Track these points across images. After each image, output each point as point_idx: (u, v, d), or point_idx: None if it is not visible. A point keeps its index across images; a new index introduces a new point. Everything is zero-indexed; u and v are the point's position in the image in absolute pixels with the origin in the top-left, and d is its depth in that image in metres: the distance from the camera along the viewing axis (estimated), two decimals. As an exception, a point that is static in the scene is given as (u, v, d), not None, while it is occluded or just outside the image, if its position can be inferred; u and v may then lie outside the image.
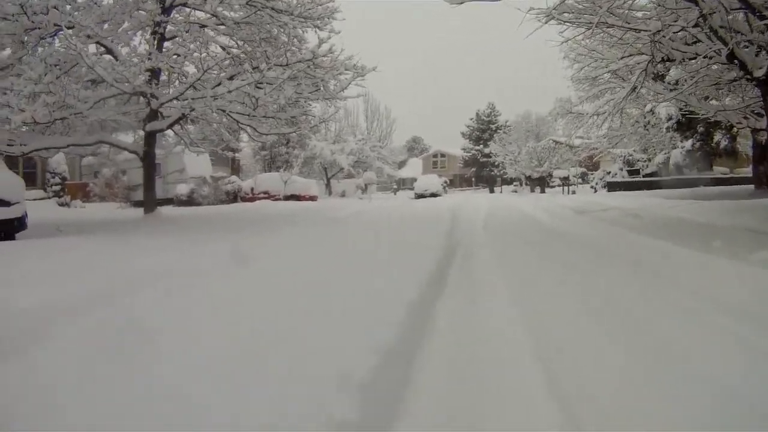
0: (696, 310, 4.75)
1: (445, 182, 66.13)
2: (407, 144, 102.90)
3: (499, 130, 69.55)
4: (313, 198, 31.41)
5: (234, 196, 29.66)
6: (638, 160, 44.02)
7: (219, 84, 12.86)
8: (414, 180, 54.75)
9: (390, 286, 5.41)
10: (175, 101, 13.54)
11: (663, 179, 34.58)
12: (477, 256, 8.26)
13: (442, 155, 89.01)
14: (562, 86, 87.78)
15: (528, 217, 16.67)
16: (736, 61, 11.51)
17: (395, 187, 74.64)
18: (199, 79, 12.32)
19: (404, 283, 5.56)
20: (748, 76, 11.62)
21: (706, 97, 13.75)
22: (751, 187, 26.03)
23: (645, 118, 32.80)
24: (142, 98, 14.80)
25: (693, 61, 12.65)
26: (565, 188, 46.30)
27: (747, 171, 37.33)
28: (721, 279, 6.01)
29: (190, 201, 28.15)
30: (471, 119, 76.57)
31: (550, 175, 52.65)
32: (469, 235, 11.48)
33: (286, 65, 13.06)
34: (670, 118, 22.90)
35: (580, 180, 50.83)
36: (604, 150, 38.70)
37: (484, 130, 74.13)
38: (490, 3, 11.76)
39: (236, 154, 44.80)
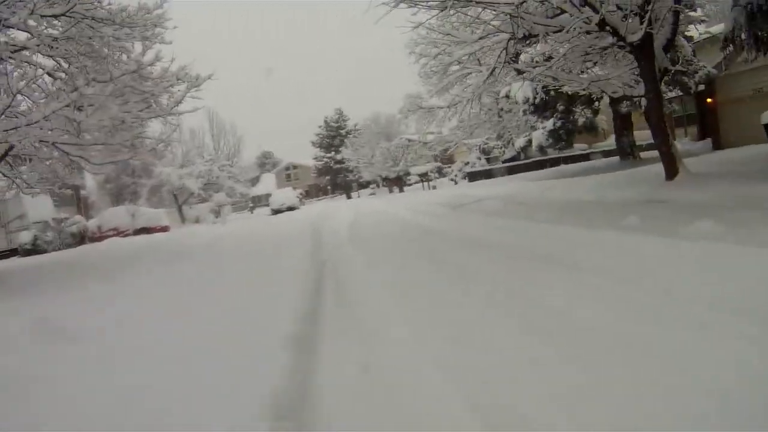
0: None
1: (301, 194, 64.80)
2: (258, 160, 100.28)
3: (349, 135, 69.04)
4: (164, 229, 28.81)
5: (81, 238, 26.67)
6: (494, 147, 44.67)
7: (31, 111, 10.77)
8: (269, 196, 52.71)
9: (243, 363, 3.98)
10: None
11: (523, 162, 35.00)
12: (352, 288, 6.58)
13: (295, 167, 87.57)
14: (407, 85, 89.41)
15: (398, 220, 15.65)
16: (608, 28, 11.01)
17: (251, 205, 72.29)
18: (9, 107, 10.16)
19: (264, 348, 4.19)
20: (621, 43, 11.17)
21: (577, 71, 13.28)
22: (615, 159, 26.73)
23: (498, 104, 33.05)
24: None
25: (557, 34, 12.07)
26: (425, 184, 45.97)
27: (604, 145, 38.75)
28: (694, 268, 5.03)
29: (35, 249, 24.99)
30: (320, 127, 75.56)
31: (407, 174, 52.44)
32: (336, 251, 10.25)
33: (109, 80, 11.16)
34: (526, 101, 22.78)
35: (436, 175, 50.91)
36: (459, 141, 38.81)
37: (334, 136, 73.40)
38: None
39: (83, 191, 41.07)
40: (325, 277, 7.35)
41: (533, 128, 28.63)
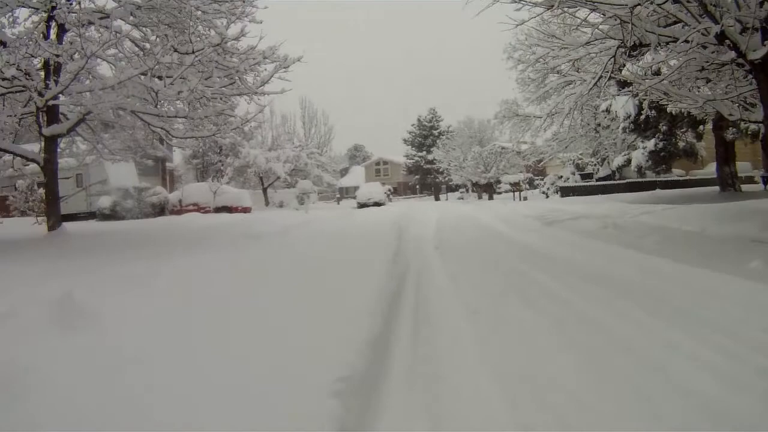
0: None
1: (389, 190, 64.40)
2: (349, 152, 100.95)
3: (441, 136, 68.15)
4: (246, 210, 28.92)
5: (161, 209, 27.01)
6: (587, 164, 42.99)
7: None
8: (357, 188, 52.60)
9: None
10: (61, 96, 11.25)
11: (617, 182, 33.32)
12: (435, 314, 5.57)
13: (385, 163, 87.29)
14: (503, 90, 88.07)
15: (488, 231, 14.82)
16: (727, 42, 9.88)
17: (338, 196, 72.56)
18: (82, 68, 9.97)
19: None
20: (741, 60, 10.01)
21: (689, 88, 12.09)
22: (713, 189, 25.01)
23: (596, 119, 31.54)
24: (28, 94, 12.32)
25: (671, 44, 10.99)
26: (515, 194, 44.58)
27: (703, 173, 36.65)
28: None
29: (113, 215, 25.53)
30: (413, 125, 75.10)
31: (498, 182, 51.16)
32: (421, 261, 9.34)
33: (191, 52, 10.82)
34: (628, 117, 21.39)
35: (527, 186, 49.45)
36: (553, 154, 37.46)
37: (426, 136, 72.77)
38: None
39: (168, 164, 41.96)
40: (402, 306, 6.05)
41: (633, 147, 27.01)
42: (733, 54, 9.50)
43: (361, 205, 41.77)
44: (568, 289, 6.29)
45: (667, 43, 11.19)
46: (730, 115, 11.36)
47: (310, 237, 12.89)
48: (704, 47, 10.58)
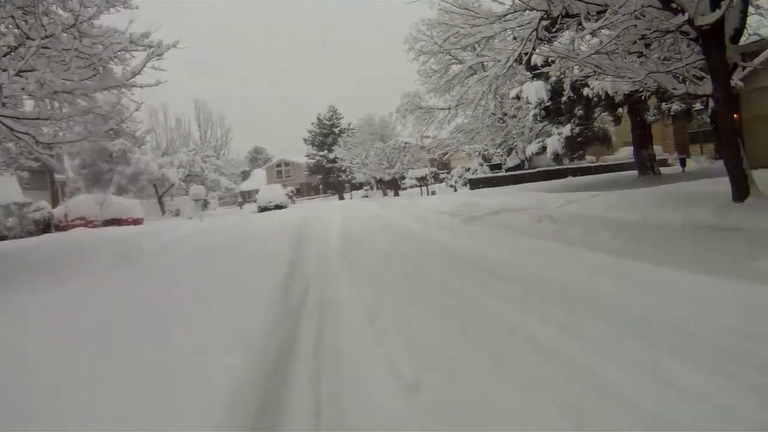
0: None
1: (292, 192, 62.33)
2: (249, 155, 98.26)
3: (342, 134, 66.65)
4: (137, 221, 26.18)
5: (45, 226, 24.10)
6: (494, 154, 42.36)
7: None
8: (258, 192, 49.98)
9: None
10: None
11: (528, 172, 32.50)
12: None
13: (287, 164, 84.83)
14: (403, 86, 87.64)
15: (402, 231, 13.28)
16: (673, 5, 8.67)
17: (240, 200, 69.71)
18: None
19: None
20: (687, 27, 8.82)
21: (623, 59, 10.87)
22: (632, 173, 24.44)
23: (502, 108, 30.65)
24: None
25: (601, 14, 9.73)
26: (422, 189, 42.82)
27: (614, 158, 36.50)
28: None
29: (-7, 235, 22.50)
30: (313, 124, 73.16)
31: (403, 177, 49.84)
32: (325, 284, 7.23)
33: (44, 37, 8.73)
34: (540, 103, 20.32)
35: (432, 180, 48.24)
36: (458, 146, 36.44)
37: (327, 134, 71.10)
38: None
39: (59, 175, 38.23)
40: (302, 335, 4.80)
41: (546, 134, 25.91)
42: (683, 17, 8.26)
43: (262, 209, 39.55)
44: (555, 330, 4.35)
45: (598, 13, 9.96)
46: (674, 89, 10.23)
47: (191, 254, 10.91)
48: (640, 17, 9.34)
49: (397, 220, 16.29)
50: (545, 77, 20.29)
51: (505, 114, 31.92)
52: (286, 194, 47.09)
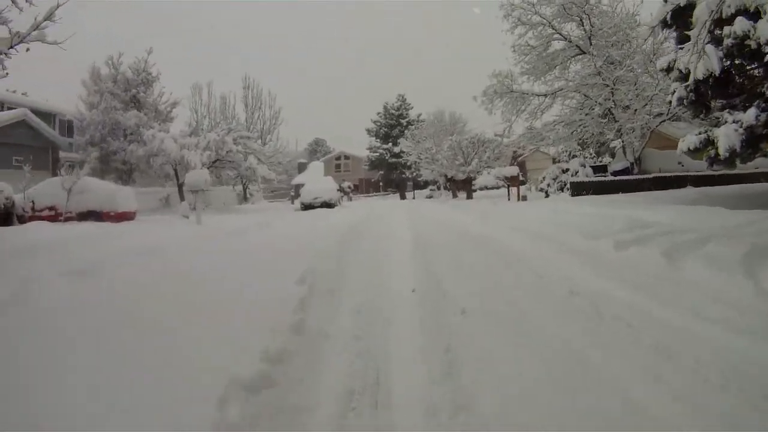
0: None
1: (349, 187, 56.05)
2: (309, 146, 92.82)
3: (410, 126, 59.99)
4: (124, 216, 18.76)
5: (6, 216, 18.11)
6: (578, 155, 35.22)
7: None
8: (302, 186, 41.98)
9: None
10: None
11: (640, 178, 24.81)
12: None
13: (346, 157, 78.63)
14: (474, 86, 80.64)
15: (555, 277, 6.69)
16: None
17: (292, 194, 63.66)
18: None
19: None
20: None
21: None
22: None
23: (613, 96, 23.48)
24: None
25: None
26: (510, 191, 32.43)
27: (742, 166, 28.30)
28: None
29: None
30: (378, 113, 66.72)
31: (474, 177, 42.41)
32: None
33: None
34: (707, 77, 13.16)
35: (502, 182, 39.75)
36: (559, 141, 29.12)
37: (393, 125, 64.64)
38: None
39: (63, 153, 32.46)
40: None
41: (712, 123, 18.21)
42: None
43: (306, 207, 32.53)
44: None
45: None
46: None
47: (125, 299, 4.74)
48: None
49: (513, 245, 9.72)
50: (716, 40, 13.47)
51: (614, 104, 24.63)
52: (339, 189, 40.13)
